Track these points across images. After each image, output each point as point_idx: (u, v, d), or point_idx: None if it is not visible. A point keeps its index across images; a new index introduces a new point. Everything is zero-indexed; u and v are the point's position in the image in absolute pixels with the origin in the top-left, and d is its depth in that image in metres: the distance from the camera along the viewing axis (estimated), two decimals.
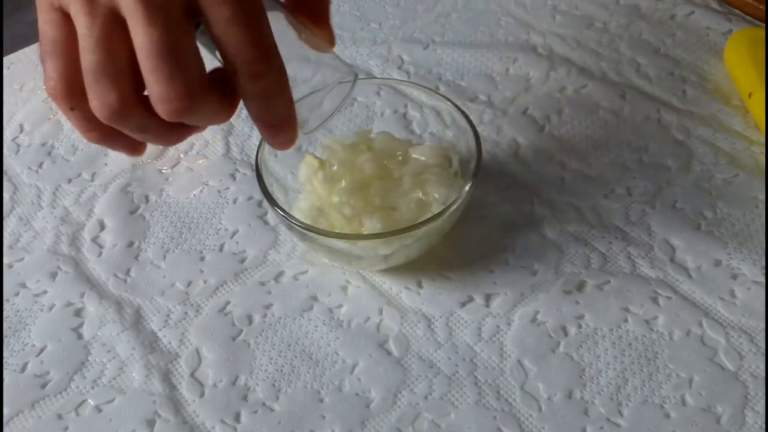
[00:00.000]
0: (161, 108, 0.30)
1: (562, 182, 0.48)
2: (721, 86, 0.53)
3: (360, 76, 0.56)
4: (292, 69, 0.32)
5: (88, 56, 0.30)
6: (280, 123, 0.33)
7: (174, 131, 0.33)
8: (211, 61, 0.31)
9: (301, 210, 0.43)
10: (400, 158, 0.45)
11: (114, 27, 0.30)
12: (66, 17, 0.31)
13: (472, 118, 0.44)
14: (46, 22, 0.32)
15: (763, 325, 0.40)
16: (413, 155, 0.45)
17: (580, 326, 0.41)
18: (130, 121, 0.31)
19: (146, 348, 0.42)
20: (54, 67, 0.32)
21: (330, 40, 0.37)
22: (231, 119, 0.33)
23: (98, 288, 0.45)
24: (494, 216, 0.47)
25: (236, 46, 0.30)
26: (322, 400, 0.39)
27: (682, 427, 0.37)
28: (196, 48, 0.30)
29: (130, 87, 0.30)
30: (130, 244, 0.47)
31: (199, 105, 0.30)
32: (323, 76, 0.36)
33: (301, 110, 0.35)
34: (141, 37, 0.29)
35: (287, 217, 0.40)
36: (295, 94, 0.34)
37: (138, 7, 0.29)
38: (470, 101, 0.54)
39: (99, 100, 0.30)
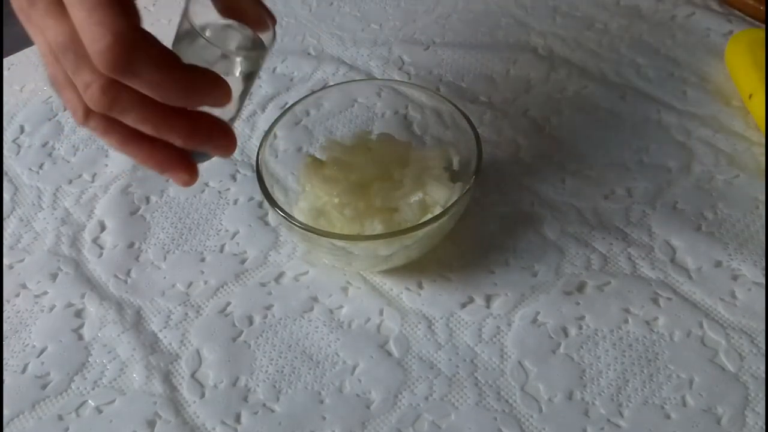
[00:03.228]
0: (97, 60, 0.28)
1: (562, 183, 0.48)
2: (722, 87, 0.53)
3: (361, 77, 0.56)
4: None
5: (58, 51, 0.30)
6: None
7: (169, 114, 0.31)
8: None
9: (301, 211, 0.43)
10: (400, 159, 0.45)
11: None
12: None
13: (472, 119, 0.44)
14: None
15: (763, 326, 0.40)
16: (414, 156, 0.45)
17: (580, 327, 0.41)
18: (119, 99, 0.30)
19: (147, 349, 0.42)
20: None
21: (267, 16, 0.35)
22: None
23: (99, 289, 0.45)
24: (494, 217, 0.47)
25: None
26: (322, 401, 0.39)
27: (683, 428, 0.37)
28: (126, 4, 0.29)
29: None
30: (131, 245, 0.47)
31: (135, 49, 0.28)
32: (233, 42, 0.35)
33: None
34: (74, 15, 0.29)
35: (288, 218, 0.40)
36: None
37: None
38: (471, 102, 0.54)
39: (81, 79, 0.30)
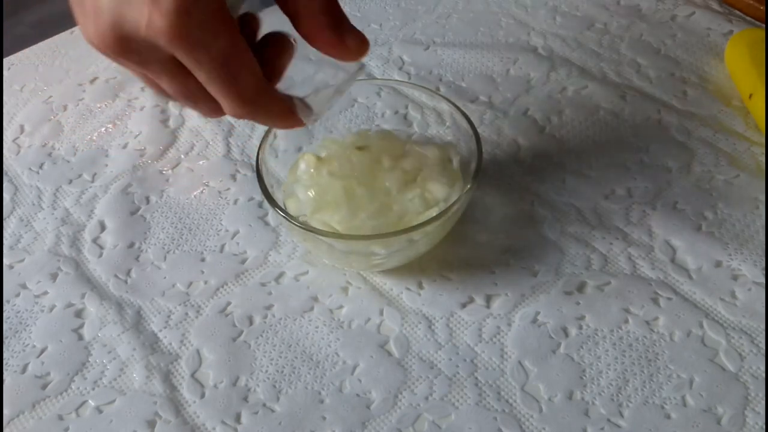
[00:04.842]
0: (229, 113, 0.33)
1: (562, 183, 0.48)
2: (722, 87, 0.54)
3: (361, 76, 0.56)
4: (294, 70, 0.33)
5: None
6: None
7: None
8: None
9: (301, 209, 0.43)
10: (399, 157, 0.45)
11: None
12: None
13: (472, 119, 0.44)
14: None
15: (763, 326, 0.40)
16: (413, 155, 0.45)
17: (580, 327, 0.41)
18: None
19: (147, 349, 0.42)
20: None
21: (358, 48, 0.36)
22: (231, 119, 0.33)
23: (99, 289, 0.45)
24: (495, 217, 0.47)
25: None
26: (322, 401, 0.39)
27: (683, 428, 0.37)
28: (249, 57, 0.32)
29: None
30: (131, 245, 0.47)
31: (258, 108, 0.33)
32: (325, 76, 0.37)
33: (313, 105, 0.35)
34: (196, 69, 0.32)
35: (288, 217, 0.40)
36: (299, 93, 0.34)
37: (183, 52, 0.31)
38: (471, 102, 0.54)
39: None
